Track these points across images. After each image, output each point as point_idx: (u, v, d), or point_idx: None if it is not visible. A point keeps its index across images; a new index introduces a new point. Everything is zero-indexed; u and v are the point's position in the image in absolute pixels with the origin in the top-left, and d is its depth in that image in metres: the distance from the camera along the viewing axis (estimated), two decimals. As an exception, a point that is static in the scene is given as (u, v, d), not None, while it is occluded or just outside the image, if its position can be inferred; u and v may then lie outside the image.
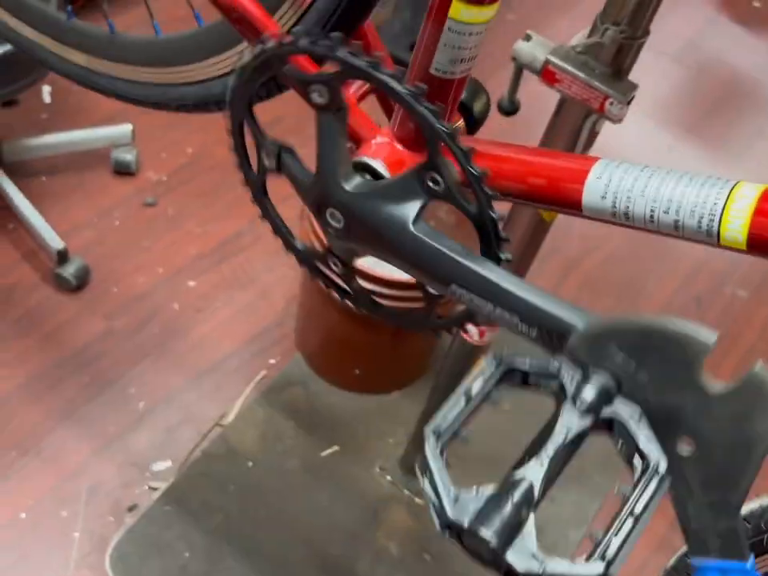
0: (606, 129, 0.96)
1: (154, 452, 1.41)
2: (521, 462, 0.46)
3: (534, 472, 0.45)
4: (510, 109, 1.00)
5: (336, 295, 0.67)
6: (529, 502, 0.44)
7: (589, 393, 0.46)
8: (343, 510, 1.39)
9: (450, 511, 0.45)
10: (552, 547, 1.39)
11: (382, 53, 0.61)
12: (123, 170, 1.75)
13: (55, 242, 1.54)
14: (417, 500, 1.41)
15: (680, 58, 2.39)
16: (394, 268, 0.57)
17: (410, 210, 0.53)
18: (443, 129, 0.49)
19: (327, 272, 0.64)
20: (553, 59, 0.90)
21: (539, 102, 1.06)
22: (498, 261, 0.54)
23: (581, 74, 0.89)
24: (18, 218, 1.60)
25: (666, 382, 0.44)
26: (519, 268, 1.17)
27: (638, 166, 0.50)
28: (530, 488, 0.44)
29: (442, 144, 0.49)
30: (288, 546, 1.33)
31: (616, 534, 0.44)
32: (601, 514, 1.46)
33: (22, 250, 1.61)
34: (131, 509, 1.34)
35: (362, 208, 0.55)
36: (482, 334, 1.13)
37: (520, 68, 0.94)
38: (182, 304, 1.61)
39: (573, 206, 0.51)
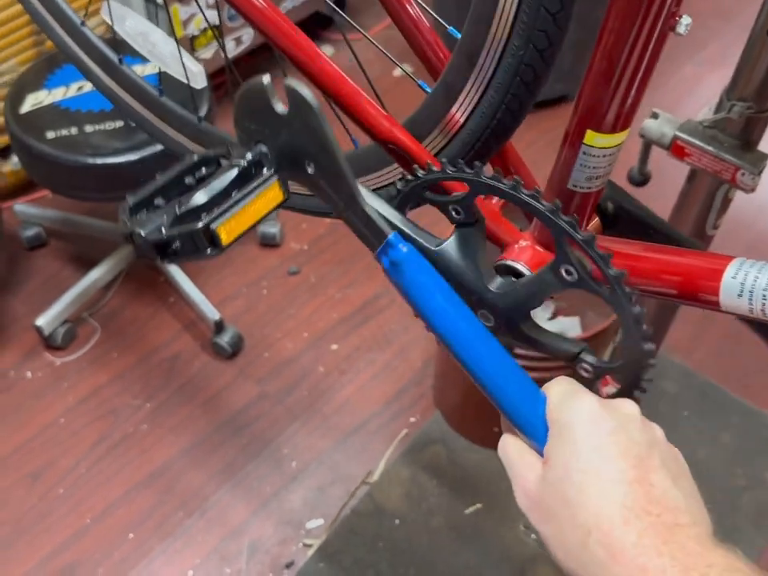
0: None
1: (307, 510, 1.49)
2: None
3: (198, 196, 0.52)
4: (639, 180, 1.04)
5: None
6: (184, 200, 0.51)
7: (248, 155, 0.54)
8: (491, 569, 1.42)
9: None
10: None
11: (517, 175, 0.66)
12: (269, 243, 1.88)
13: (212, 313, 1.67)
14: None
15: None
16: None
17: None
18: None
19: None
20: (681, 135, 0.94)
21: (669, 170, 1.09)
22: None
23: (710, 148, 0.92)
24: (178, 292, 1.75)
25: (270, 128, 0.52)
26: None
27: (772, 264, 0.53)
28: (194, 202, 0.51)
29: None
30: (438, 603, 1.38)
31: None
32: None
33: (182, 321, 1.76)
34: (288, 566, 1.42)
35: (506, 304, 0.61)
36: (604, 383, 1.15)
37: (648, 144, 0.98)
38: (326, 367, 1.70)
39: (710, 303, 0.55)
